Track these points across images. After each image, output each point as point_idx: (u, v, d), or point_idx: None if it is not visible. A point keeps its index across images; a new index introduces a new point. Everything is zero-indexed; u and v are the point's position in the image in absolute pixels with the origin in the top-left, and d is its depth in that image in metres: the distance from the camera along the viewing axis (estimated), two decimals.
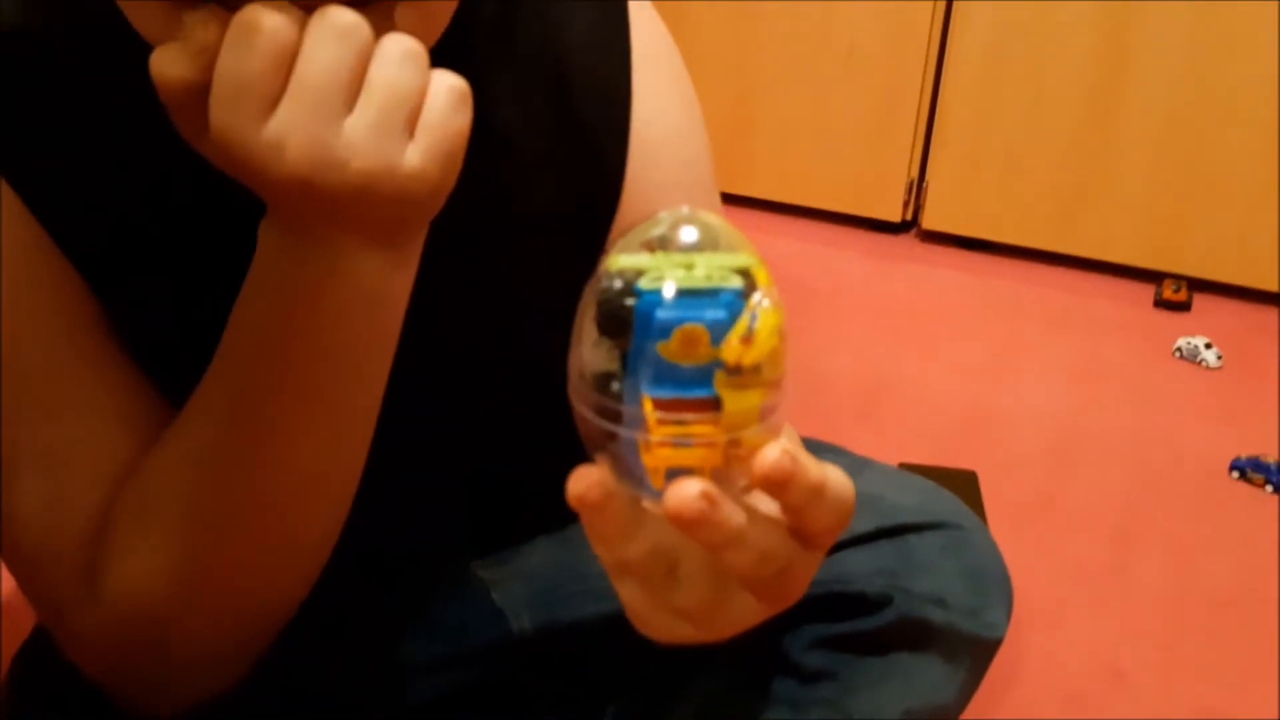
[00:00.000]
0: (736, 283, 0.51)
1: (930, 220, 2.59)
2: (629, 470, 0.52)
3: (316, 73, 0.54)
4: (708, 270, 0.51)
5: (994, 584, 0.99)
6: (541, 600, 0.95)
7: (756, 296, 0.51)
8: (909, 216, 2.62)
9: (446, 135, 0.57)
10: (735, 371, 0.50)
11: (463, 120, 0.58)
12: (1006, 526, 1.73)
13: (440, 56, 0.65)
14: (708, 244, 0.53)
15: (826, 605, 0.94)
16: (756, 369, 0.51)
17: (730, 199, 0.69)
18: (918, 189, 2.59)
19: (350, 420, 0.69)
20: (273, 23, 0.54)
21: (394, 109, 0.56)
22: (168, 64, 0.55)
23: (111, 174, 0.71)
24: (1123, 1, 2.28)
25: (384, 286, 0.63)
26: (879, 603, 0.94)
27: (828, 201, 2.64)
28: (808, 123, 2.60)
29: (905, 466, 1.80)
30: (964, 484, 1.79)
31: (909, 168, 2.56)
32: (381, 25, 0.59)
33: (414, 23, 0.61)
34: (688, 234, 0.53)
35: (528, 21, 0.80)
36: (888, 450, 1.87)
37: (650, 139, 0.83)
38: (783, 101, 2.60)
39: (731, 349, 0.50)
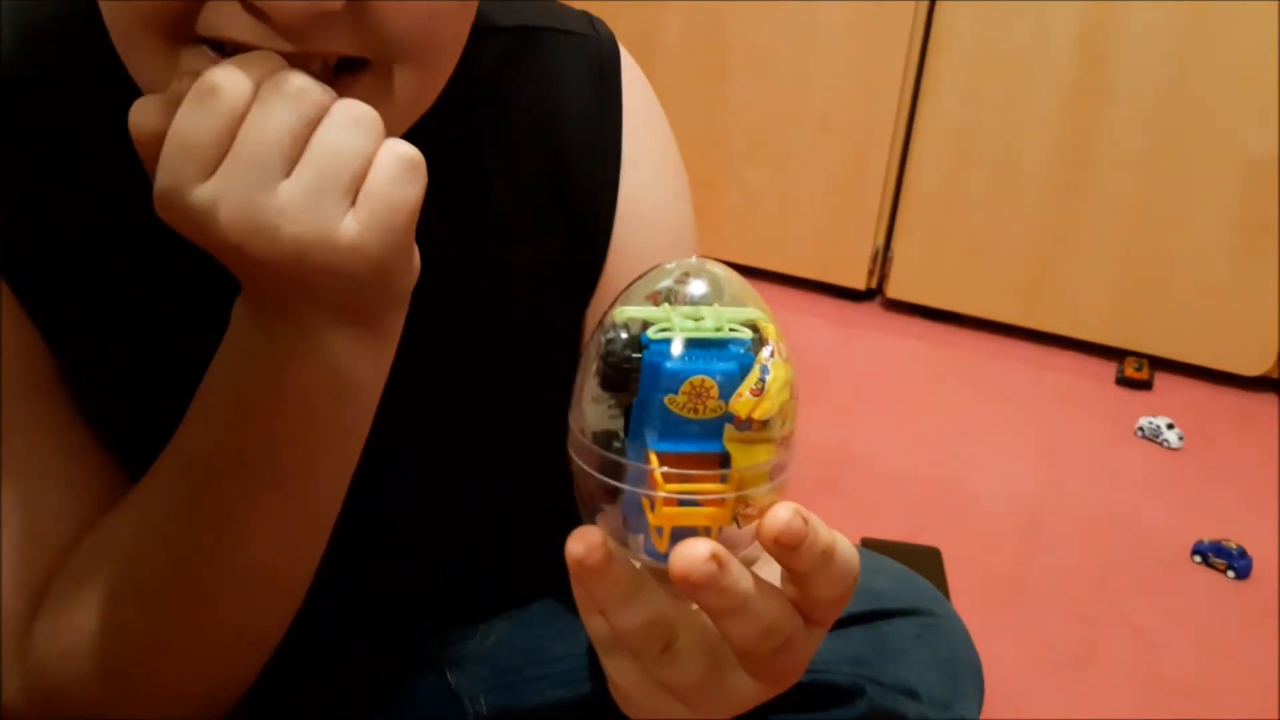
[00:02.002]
0: (746, 335, 0.49)
1: (895, 289, 2.58)
2: (631, 531, 0.49)
3: (255, 136, 0.51)
4: (716, 322, 0.49)
5: (967, 674, 0.97)
6: (500, 683, 0.92)
7: (767, 350, 0.49)
8: (873, 285, 2.62)
9: (389, 206, 0.53)
10: (745, 426, 0.48)
11: (411, 192, 0.54)
12: (971, 605, 1.70)
13: (439, 119, 0.64)
14: (715, 296, 0.51)
15: (797, 695, 0.91)
16: (766, 424, 0.49)
17: None
18: (883, 258, 2.59)
19: (309, 512, 0.65)
20: (232, 85, 0.51)
21: (332, 174, 0.52)
22: (142, 113, 0.53)
23: (94, 227, 0.68)
24: (1091, 79, 2.30)
25: (350, 371, 0.60)
26: (851, 694, 0.91)
27: (793, 267, 2.64)
28: (776, 188, 2.60)
29: (868, 542, 1.77)
30: (928, 561, 1.77)
31: (875, 236, 2.56)
32: (379, 91, 0.57)
33: (413, 86, 0.59)
34: (695, 286, 0.51)
35: (524, 85, 0.78)
36: (850, 524, 1.85)
37: (638, 205, 0.82)
38: (752, 167, 2.61)
39: (742, 402, 0.48)
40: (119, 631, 0.65)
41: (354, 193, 0.53)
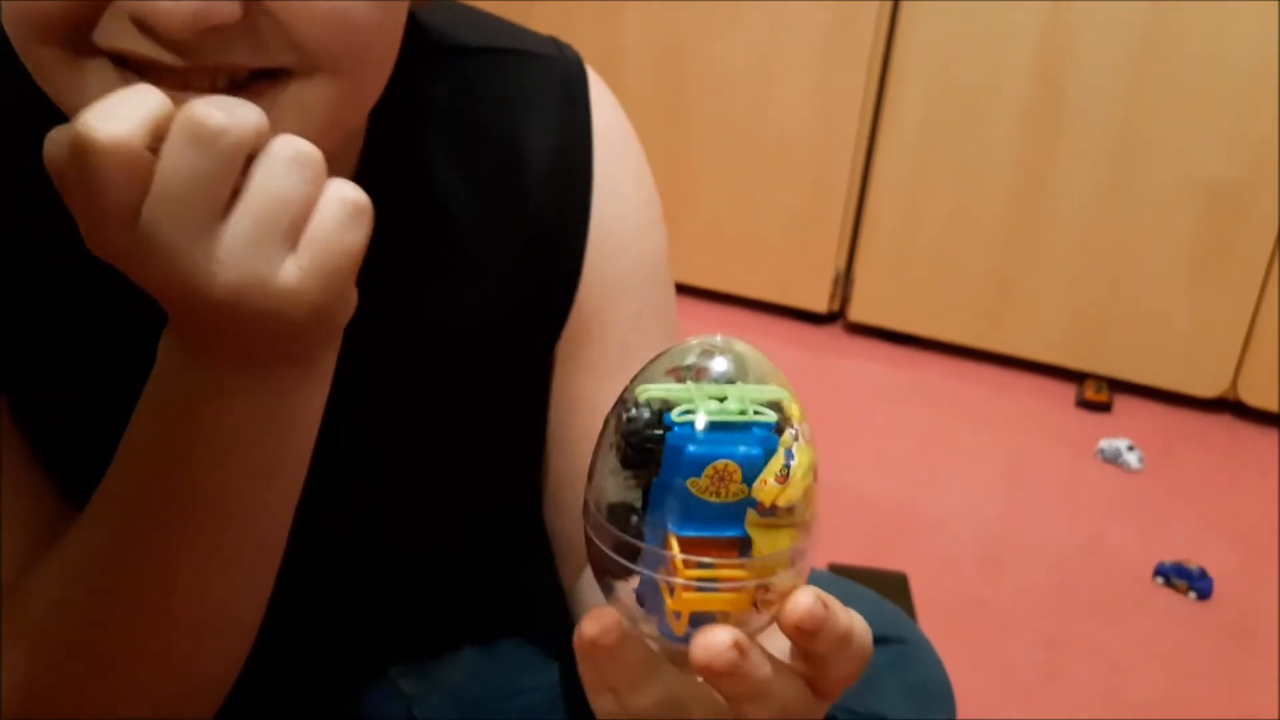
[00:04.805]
0: (770, 417, 0.49)
1: (856, 313, 2.60)
2: (646, 611, 0.49)
3: (176, 183, 0.48)
4: (740, 404, 0.49)
5: (937, 701, 0.97)
6: (466, 716, 0.91)
7: (791, 433, 0.49)
8: (835, 308, 2.63)
9: (332, 252, 0.51)
10: (768, 512, 0.48)
11: (354, 237, 0.51)
12: (938, 630, 1.70)
13: (395, 142, 0.61)
14: (739, 374, 0.51)
15: None
16: (790, 509, 0.48)
17: None
18: (845, 281, 2.60)
19: (242, 552, 0.63)
20: (112, 131, 0.47)
21: (272, 220, 0.49)
22: (53, 146, 0.50)
23: (34, 250, 0.66)
24: (1049, 104, 2.33)
25: (278, 408, 0.58)
26: None
27: (755, 290, 2.65)
28: (738, 211, 2.61)
29: (835, 568, 1.78)
30: (895, 587, 1.78)
31: (836, 259, 2.57)
32: (293, 104, 0.55)
33: (333, 99, 0.57)
34: (718, 363, 0.51)
35: (486, 111, 0.76)
36: (817, 549, 1.84)
37: (609, 233, 0.80)
38: (713, 190, 2.61)
39: (767, 489, 0.48)
40: (44, 676, 0.64)
41: (294, 236, 0.50)
